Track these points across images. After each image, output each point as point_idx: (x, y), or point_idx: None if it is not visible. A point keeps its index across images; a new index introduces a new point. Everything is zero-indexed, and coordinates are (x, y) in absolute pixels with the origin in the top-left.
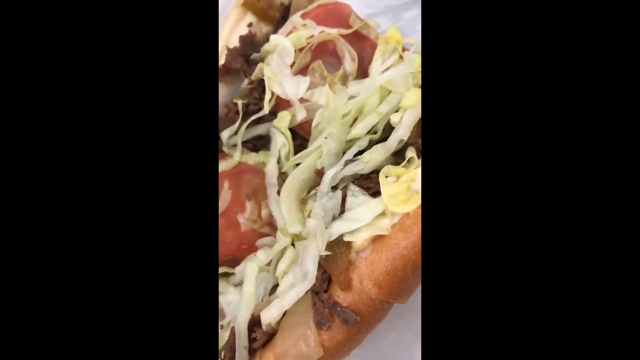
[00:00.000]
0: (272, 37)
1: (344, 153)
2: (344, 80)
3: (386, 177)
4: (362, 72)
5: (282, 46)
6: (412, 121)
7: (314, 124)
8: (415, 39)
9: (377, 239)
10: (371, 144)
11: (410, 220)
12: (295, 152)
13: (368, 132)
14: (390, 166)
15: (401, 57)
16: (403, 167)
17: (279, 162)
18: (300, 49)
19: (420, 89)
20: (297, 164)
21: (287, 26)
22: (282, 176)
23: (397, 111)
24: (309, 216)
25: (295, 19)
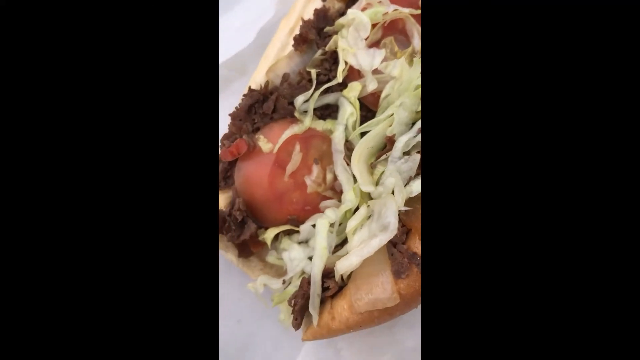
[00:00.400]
0: (350, 11)
1: (413, 124)
2: (412, 57)
3: None
4: None
5: (360, 20)
6: None
7: (383, 95)
8: None
9: None
10: None
11: None
12: (361, 123)
13: None
14: None
15: None
16: None
17: (345, 130)
18: (374, 25)
19: None
20: (363, 133)
21: (362, 2)
22: (348, 144)
23: None
24: (378, 180)
25: None
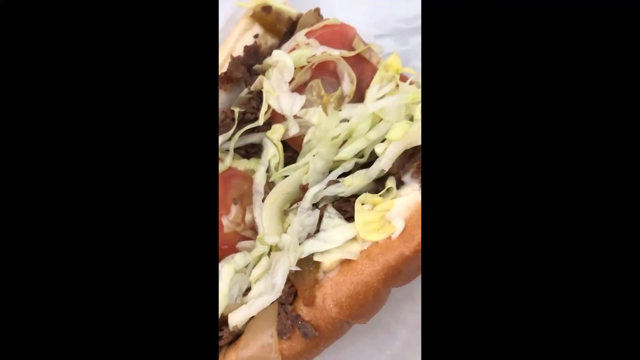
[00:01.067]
0: (275, 52)
1: (330, 172)
2: (341, 101)
3: (362, 204)
4: (360, 95)
5: (283, 63)
6: (395, 154)
7: (305, 139)
8: (419, 65)
9: (345, 262)
10: (357, 166)
11: (378, 250)
12: (286, 164)
13: (355, 156)
14: (367, 194)
15: (397, 85)
16: (381, 195)
17: (268, 171)
18: (302, 67)
19: (410, 122)
20: (285, 176)
21: (291, 42)
22: (270, 185)
23: (383, 141)
24: (287, 229)
25: (299, 36)
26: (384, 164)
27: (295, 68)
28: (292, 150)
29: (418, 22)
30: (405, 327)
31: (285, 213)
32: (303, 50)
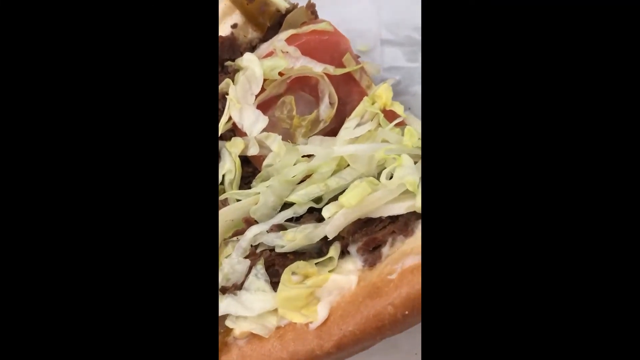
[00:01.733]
0: (246, 56)
1: (280, 211)
2: (314, 125)
3: (293, 273)
4: (341, 120)
5: (252, 71)
6: (344, 223)
7: (265, 162)
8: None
9: (256, 337)
10: (311, 212)
11: (292, 334)
12: (243, 179)
13: (317, 201)
14: (301, 263)
15: (379, 125)
16: (318, 264)
17: (221, 183)
18: (274, 80)
19: (364, 191)
20: (238, 200)
21: (269, 46)
22: (222, 202)
23: (339, 195)
24: (221, 262)
25: (278, 42)
26: (328, 231)
27: (265, 79)
28: (253, 166)
29: None
30: None
31: (225, 242)
32: (278, 60)
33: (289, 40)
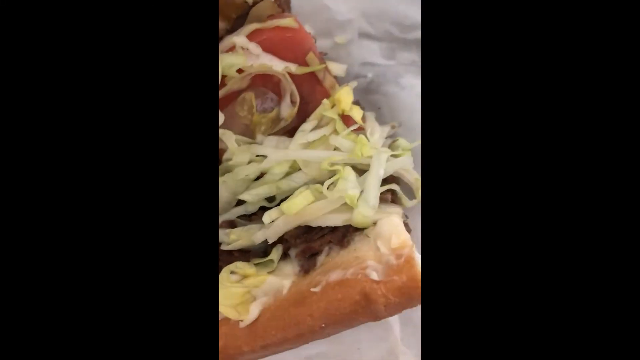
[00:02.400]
0: None
1: (234, 207)
2: (275, 123)
3: (231, 272)
4: (302, 119)
5: None
6: (283, 229)
7: (224, 157)
8: (393, 93)
9: None
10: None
11: (224, 329)
12: None
13: (269, 200)
14: (239, 264)
15: (336, 131)
16: (258, 264)
17: None
18: (236, 76)
19: (305, 200)
20: None
21: (229, 41)
22: None
23: (284, 200)
24: None
25: (239, 38)
26: (268, 235)
27: (224, 76)
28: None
29: (416, 34)
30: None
31: None
32: (236, 57)
33: (251, 36)
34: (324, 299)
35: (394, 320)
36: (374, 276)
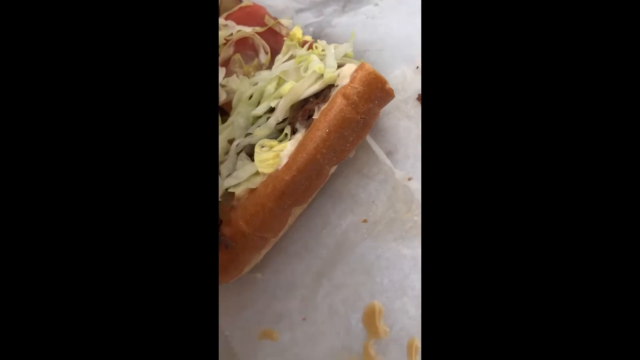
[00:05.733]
0: None
1: (251, 127)
2: (259, 69)
3: (262, 147)
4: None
5: None
6: (286, 105)
7: (233, 103)
8: (331, 32)
9: (251, 190)
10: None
11: (269, 179)
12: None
13: (267, 112)
14: (266, 140)
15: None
16: (280, 140)
17: None
18: (224, 44)
19: (292, 83)
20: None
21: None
22: None
23: (281, 97)
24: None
25: (220, 20)
26: (277, 115)
27: (218, 46)
28: (226, 113)
29: None
30: None
31: (220, 163)
32: (222, 31)
33: (226, 18)
34: (322, 116)
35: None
36: (345, 82)
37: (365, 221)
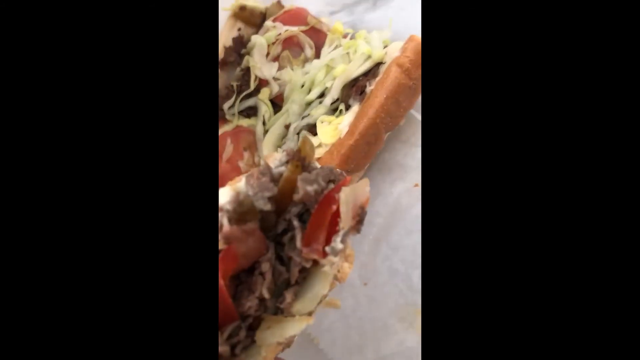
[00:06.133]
0: (253, 37)
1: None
2: (305, 62)
3: (322, 122)
4: (320, 55)
5: (259, 43)
6: (339, 85)
7: (285, 95)
8: (364, 27)
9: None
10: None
11: (333, 148)
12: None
13: (318, 97)
14: (324, 115)
15: (351, 36)
16: (336, 116)
17: (264, 123)
18: (273, 43)
19: (345, 66)
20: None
21: (263, 29)
22: (267, 133)
23: (334, 79)
24: None
25: (267, 23)
26: (332, 94)
27: (268, 45)
28: (278, 106)
29: None
30: None
31: (277, 147)
32: (271, 32)
33: (273, 21)
34: (379, 85)
35: None
36: (397, 53)
37: (417, 185)
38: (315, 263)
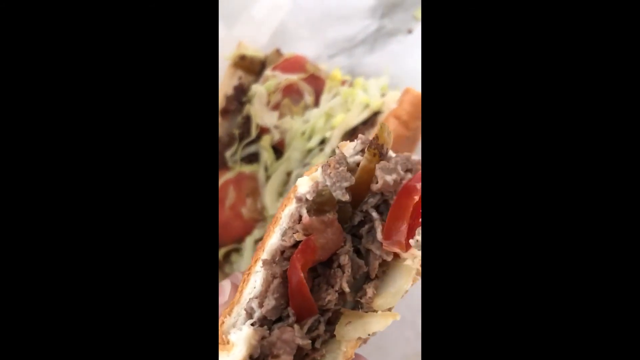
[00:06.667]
0: (253, 86)
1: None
2: (304, 109)
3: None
4: (319, 102)
5: (260, 92)
6: (339, 134)
7: (286, 142)
8: (363, 70)
9: None
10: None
11: None
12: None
13: (320, 143)
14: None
15: (349, 84)
16: None
17: (266, 169)
18: (273, 92)
19: (343, 116)
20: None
21: (263, 78)
22: (269, 179)
23: (331, 130)
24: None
25: (267, 72)
26: (332, 144)
27: (268, 93)
28: (280, 151)
29: (359, 38)
30: None
31: (280, 194)
32: (271, 80)
33: (273, 69)
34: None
35: None
36: (393, 106)
37: None
38: (396, 256)
